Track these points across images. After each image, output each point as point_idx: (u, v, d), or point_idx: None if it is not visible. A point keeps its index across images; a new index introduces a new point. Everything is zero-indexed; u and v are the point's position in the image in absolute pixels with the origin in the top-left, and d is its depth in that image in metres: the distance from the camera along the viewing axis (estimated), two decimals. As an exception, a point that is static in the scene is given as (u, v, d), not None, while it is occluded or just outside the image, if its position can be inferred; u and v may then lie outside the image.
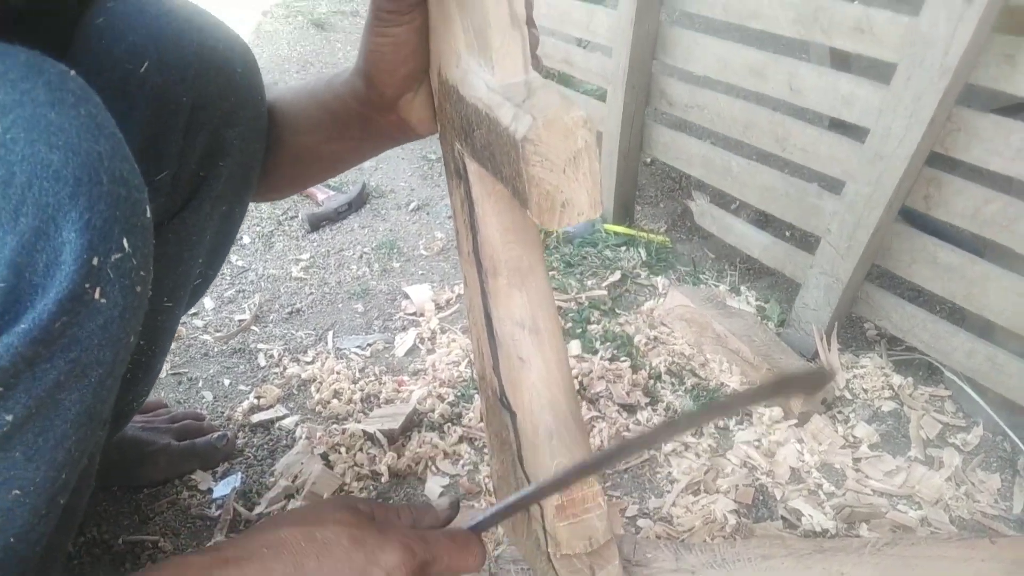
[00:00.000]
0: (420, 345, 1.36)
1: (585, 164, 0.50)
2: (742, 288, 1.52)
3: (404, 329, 1.41)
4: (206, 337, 1.37)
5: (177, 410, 1.16)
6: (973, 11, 0.94)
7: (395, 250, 1.67)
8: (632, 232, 1.70)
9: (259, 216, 1.79)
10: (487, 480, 1.06)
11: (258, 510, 1.01)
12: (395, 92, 0.63)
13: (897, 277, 1.24)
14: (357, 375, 1.27)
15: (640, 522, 1.01)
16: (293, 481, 1.04)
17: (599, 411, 1.18)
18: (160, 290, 0.75)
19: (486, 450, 1.11)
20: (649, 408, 1.20)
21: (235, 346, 1.35)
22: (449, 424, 1.16)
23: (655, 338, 1.37)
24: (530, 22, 0.56)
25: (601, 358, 1.29)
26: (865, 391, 1.26)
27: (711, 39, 1.41)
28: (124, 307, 0.47)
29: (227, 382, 1.26)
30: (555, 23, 1.74)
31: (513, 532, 0.73)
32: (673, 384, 1.26)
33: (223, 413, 1.19)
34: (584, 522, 0.62)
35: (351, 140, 0.72)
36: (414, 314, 1.45)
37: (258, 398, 1.21)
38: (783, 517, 1.03)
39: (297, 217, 1.78)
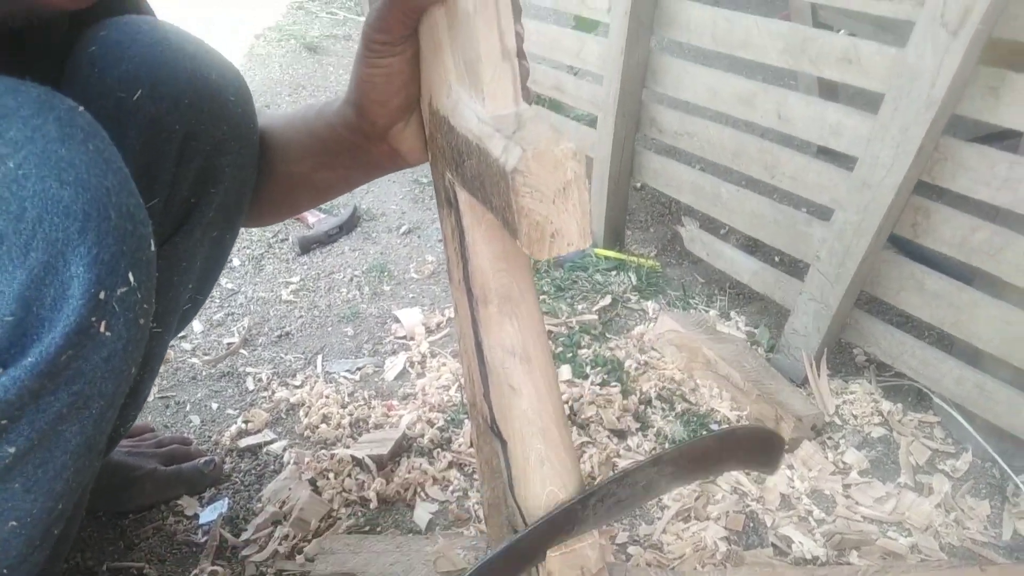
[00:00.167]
0: (410, 369, 1.36)
1: (574, 195, 0.50)
2: (732, 313, 1.53)
3: (394, 353, 1.41)
4: (194, 360, 1.36)
5: (164, 434, 1.15)
6: (958, 44, 0.96)
7: (385, 273, 1.67)
8: (622, 256, 1.70)
9: (249, 239, 1.79)
10: (477, 507, 1.05)
11: (245, 536, 1.00)
12: (386, 122, 0.63)
13: (886, 303, 1.25)
14: (346, 399, 1.27)
15: (630, 549, 1.00)
16: (280, 507, 1.04)
17: (589, 436, 1.18)
18: (149, 315, 0.75)
19: (476, 476, 1.10)
20: (639, 434, 1.20)
21: (223, 370, 1.34)
22: (439, 449, 1.15)
23: (645, 363, 1.37)
24: (520, 54, 0.57)
25: (591, 383, 1.29)
26: (855, 417, 1.26)
27: (700, 68, 1.42)
28: (127, 340, 0.48)
29: (215, 406, 1.25)
30: (546, 50, 1.75)
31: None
32: (663, 410, 1.26)
33: (210, 437, 1.19)
34: (576, 552, 0.62)
35: (342, 168, 0.72)
36: (404, 338, 1.45)
37: (246, 422, 1.21)
38: (773, 544, 1.02)
39: (287, 240, 1.79)
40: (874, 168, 1.11)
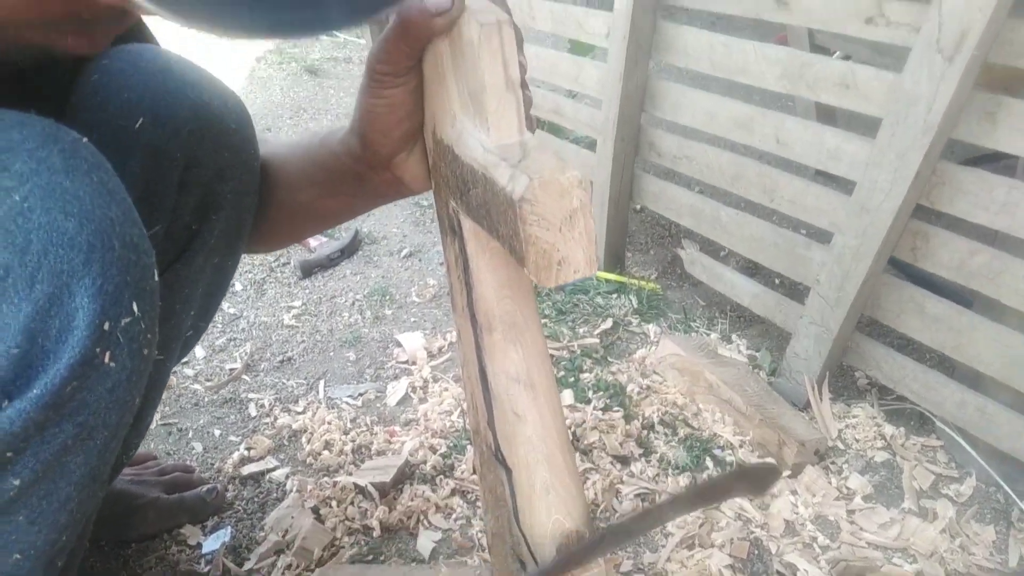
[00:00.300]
0: (412, 394, 1.35)
1: (580, 223, 0.51)
2: (733, 336, 1.53)
3: (396, 378, 1.40)
4: (196, 387, 1.36)
5: (166, 462, 1.15)
6: (954, 70, 0.97)
7: (387, 297, 1.67)
8: (623, 279, 1.71)
9: (251, 262, 1.79)
10: (480, 535, 1.05)
11: (248, 566, 0.99)
12: (390, 151, 0.64)
13: (887, 327, 1.25)
14: (348, 425, 1.26)
15: (634, 576, 1.00)
16: (283, 536, 1.03)
17: (592, 462, 1.17)
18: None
19: (479, 503, 1.10)
20: (643, 459, 1.20)
21: (226, 396, 1.34)
22: (441, 476, 1.15)
23: (647, 387, 1.37)
24: (524, 84, 0.57)
25: (594, 408, 1.29)
26: (857, 441, 1.26)
27: (699, 92, 1.44)
28: (132, 370, 0.48)
29: (217, 432, 1.25)
30: (545, 74, 1.77)
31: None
32: (666, 435, 1.26)
33: (213, 465, 1.18)
34: (583, 583, 0.62)
35: (345, 196, 0.72)
36: (406, 362, 1.45)
37: (248, 449, 1.20)
38: (778, 572, 1.02)
39: (289, 264, 1.79)
40: (872, 192, 1.12)
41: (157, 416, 1.27)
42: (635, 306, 1.62)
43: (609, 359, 1.46)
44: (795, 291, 1.55)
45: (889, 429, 1.27)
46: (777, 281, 1.69)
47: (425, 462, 1.17)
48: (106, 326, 0.45)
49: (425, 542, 1.03)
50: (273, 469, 1.17)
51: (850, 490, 1.16)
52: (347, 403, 1.33)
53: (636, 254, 1.89)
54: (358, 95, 0.62)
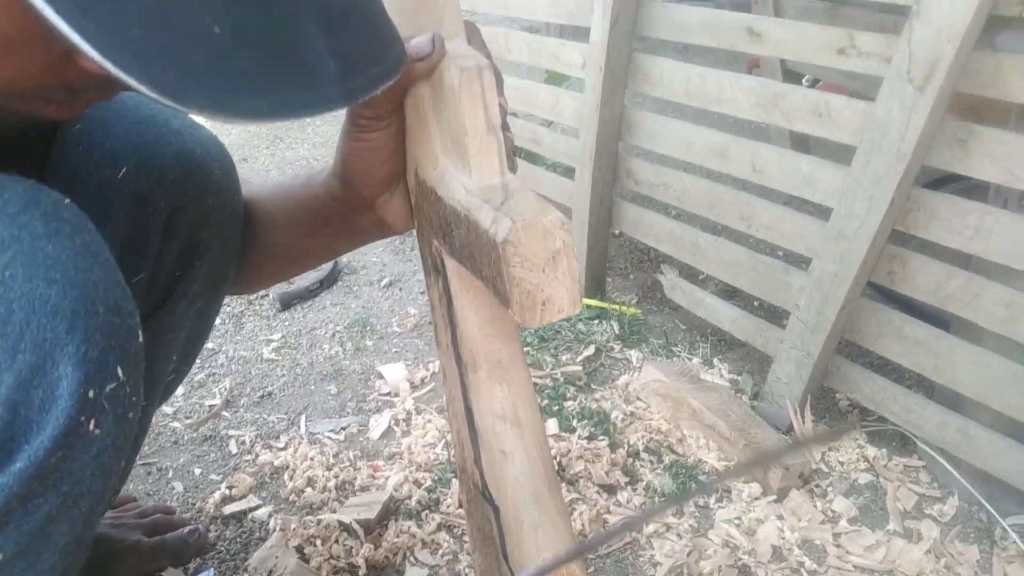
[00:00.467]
0: (395, 427, 1.34)
1: (564, 263, 0.51)
2: (715, 360, 1.54)
3: (378, 410, 1.39)
4: (176, 424, 1.34)
5: (147, 504, 1.13)
6: (925, 100, 0.99)
7: (368, 327, 1.66)
8: (604, 305, 1.71)
9: (229, 296, 1.78)
10: (468, 570, 1.04)
11: (230, 608, 0.98)
12: (372, 192, 0.64)
13: (866, 350, 1.27)
14: (331, 461, 1.25)
15: (623, 608, 0.99)
16: (267, 576, 1.02)
17: (579, 493, 1.17)
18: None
19: (466, 538, 1.09)
20: (629, 488, 1.19)
21: (205, 433, 1.32)
22: (427, 511, 1.14)
23: (631, 413, 1.37)
24: (505, 126, 0.58)
25: (579, 437, 1.28)
26: (841, 463, 1.26)
27: (675, 121, 1.46)
28: (117, 435, 0.47)
29: (198, 471, 1.23)
30: (522, 104, 1.78)
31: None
32: (652, 462, 1.26)
33: (194, 505, 1.16)
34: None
35: (328, 237, 0.72)
36: (388, 394, 1.44)
37: (230, 488, 1.19)
38: (767, 598, 1.02)
39: (268, 296, 1.78)
40: (849, 219, 1.14)
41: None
42: (617, 332, 1.63)
43: (592, 386, 1.46)
44: (774, 314, 1.56)
45: (872, 451, 1.28)
46: (756, 304, 1.70)
47: (410, 497, 1.16)
48: (91, 393, 0.44)
49: (412, 579, 1.02)
50: (256, 508, 1.15)
51: (835, 513, 1.17)
52: (329, 438, 1.32)
53: (616, 279, 1.90)
54: (339, 139, 0.62)
